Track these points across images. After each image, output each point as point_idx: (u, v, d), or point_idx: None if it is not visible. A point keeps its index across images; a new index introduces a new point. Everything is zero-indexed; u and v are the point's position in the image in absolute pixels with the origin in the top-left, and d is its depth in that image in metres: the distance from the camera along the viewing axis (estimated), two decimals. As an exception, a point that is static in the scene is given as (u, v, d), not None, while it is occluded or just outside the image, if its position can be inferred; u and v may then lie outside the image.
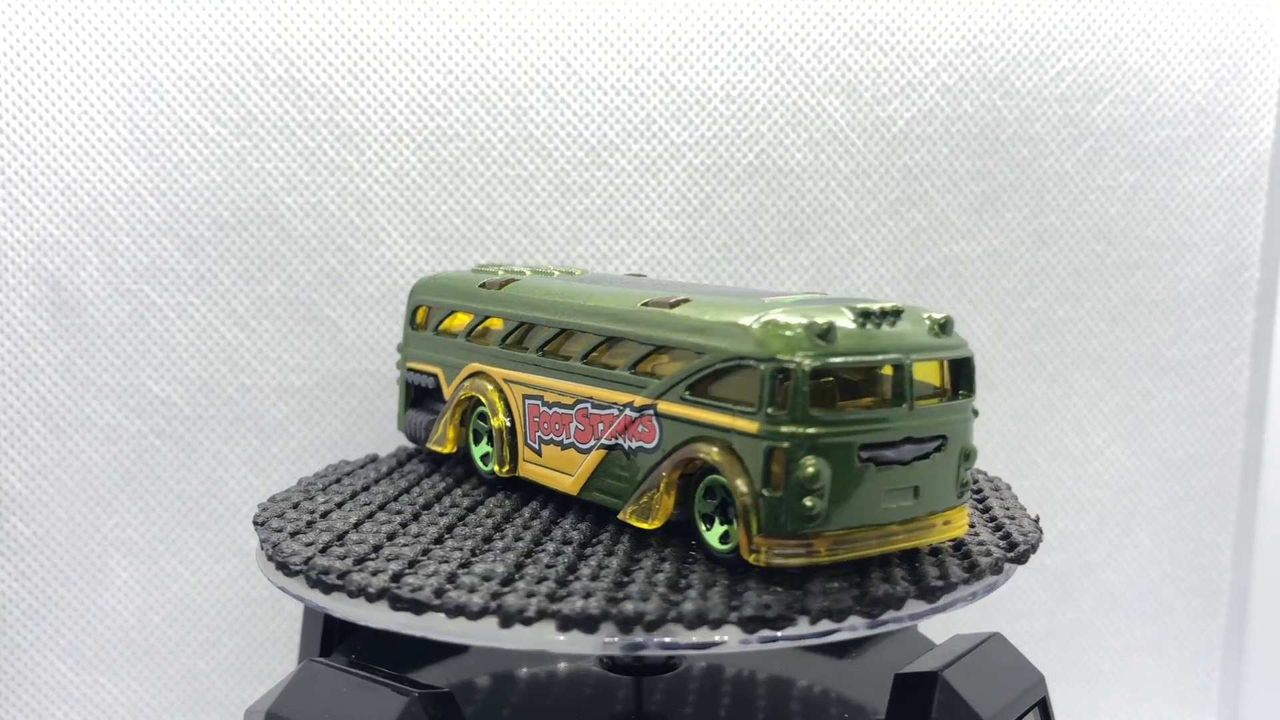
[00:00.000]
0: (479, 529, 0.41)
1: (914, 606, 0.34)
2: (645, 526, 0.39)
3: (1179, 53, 0.67)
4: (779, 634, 0.32)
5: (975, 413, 0.38)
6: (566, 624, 0.32)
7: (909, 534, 0.36)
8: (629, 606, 0.33)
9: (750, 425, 0.34)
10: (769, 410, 0.34)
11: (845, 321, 0.35)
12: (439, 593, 0.34)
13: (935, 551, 0.38)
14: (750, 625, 0.32)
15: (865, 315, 0.36)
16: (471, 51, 0.62)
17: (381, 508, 0.44)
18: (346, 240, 0.62)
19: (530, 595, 0.34)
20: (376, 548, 0.39)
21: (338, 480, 0.49)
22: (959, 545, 0.39)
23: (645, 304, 0.40)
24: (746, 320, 0.35)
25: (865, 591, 0.34)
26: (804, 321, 0.34)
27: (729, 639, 0.32)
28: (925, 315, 0.37)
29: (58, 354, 0.61)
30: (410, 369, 0.52)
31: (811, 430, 0.34)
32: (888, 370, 0.36)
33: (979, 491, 0.48)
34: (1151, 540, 0.72)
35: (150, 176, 0.60)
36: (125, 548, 0.63)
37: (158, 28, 0.59)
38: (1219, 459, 0.72)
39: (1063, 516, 0.70)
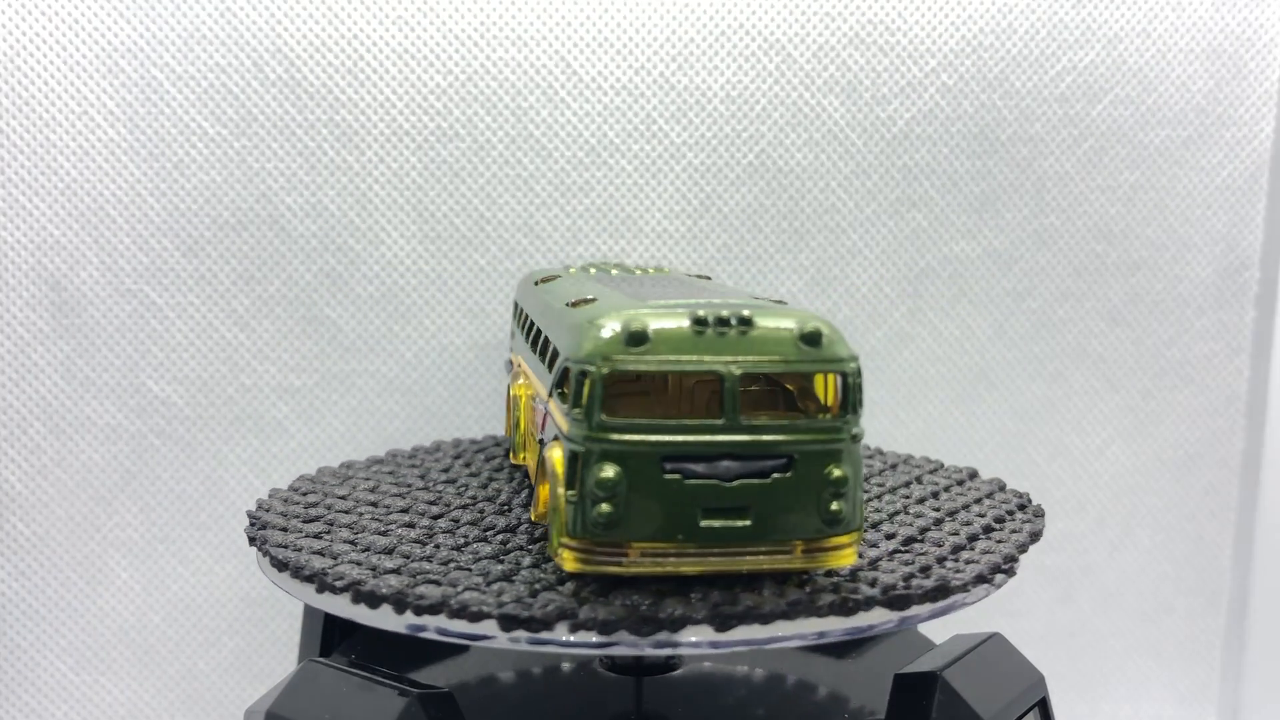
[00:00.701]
0: (439, 509, 0.43)
1: (698, 633, 0.33)
2: (533, 518, 0.40)
3: (1179, 53, 0.67)
4: (537, 636, 0.33)
5: (856, 437, 0.34)
6: (358, 598, 0.35)
7: (745, 559, 0.34)
8: (419, 590, 0.34)
9: (566, 427, 0.34)
10: (574, 413, 0.33)
11: (676, 325, 0.33)
12: (301, 555, 0.37)
13: (804, 583, 0.35)
14: (506, 624, 0.33)
15: (701, 322, 0.33)
16: (471, 52, 0.62)
17: (399, 483, 0.47)
18: (346, 240, 0.62)
19: (370, 569, 0.36)
20: (327, 516, 0.42)
21: (412, 455, 0.53)
22: (849, 578, 0.36)
23: (566, 304, 0.40)
24: (587, 322, 0.34)
25: (655, 610, 0.33)
26: (619, 326, 0.33)
27: (498, 636, 0.33)
28: (792, 326, 0.34)
29: (58, 354, 0.61)
30: (509, 360, 0.55)
31: (603, 434, 0.33)
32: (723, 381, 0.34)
33: (1000, 522, 0.44)
34: (1151, 540, 0.72)
35: (150, 177, 0.60)
36: (125, 548, 0.63)
37: (157, 28, 0.59)
38: (1219, 459, 0.72)
39: (1063, 516, 0.70)
